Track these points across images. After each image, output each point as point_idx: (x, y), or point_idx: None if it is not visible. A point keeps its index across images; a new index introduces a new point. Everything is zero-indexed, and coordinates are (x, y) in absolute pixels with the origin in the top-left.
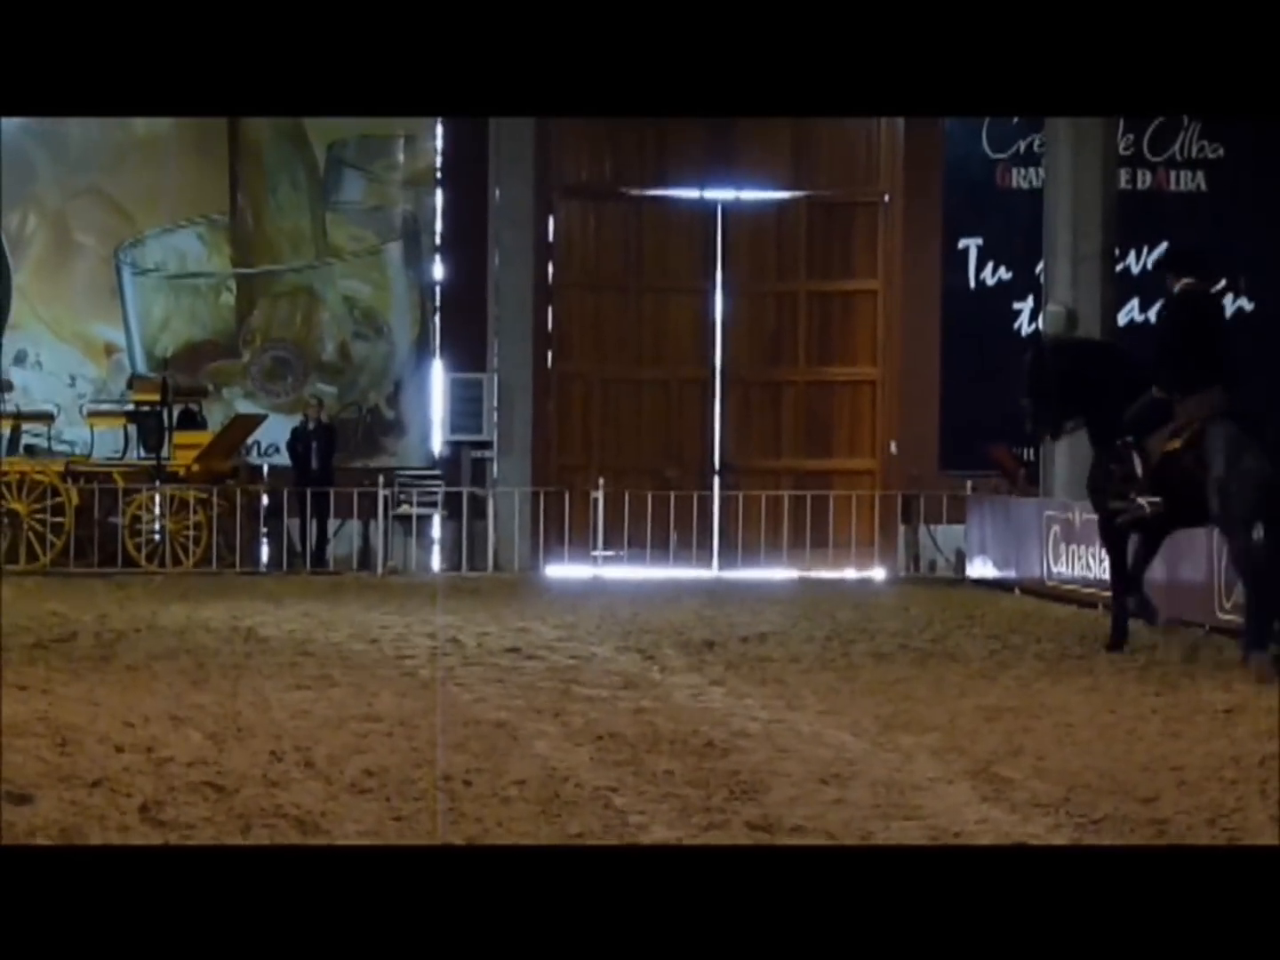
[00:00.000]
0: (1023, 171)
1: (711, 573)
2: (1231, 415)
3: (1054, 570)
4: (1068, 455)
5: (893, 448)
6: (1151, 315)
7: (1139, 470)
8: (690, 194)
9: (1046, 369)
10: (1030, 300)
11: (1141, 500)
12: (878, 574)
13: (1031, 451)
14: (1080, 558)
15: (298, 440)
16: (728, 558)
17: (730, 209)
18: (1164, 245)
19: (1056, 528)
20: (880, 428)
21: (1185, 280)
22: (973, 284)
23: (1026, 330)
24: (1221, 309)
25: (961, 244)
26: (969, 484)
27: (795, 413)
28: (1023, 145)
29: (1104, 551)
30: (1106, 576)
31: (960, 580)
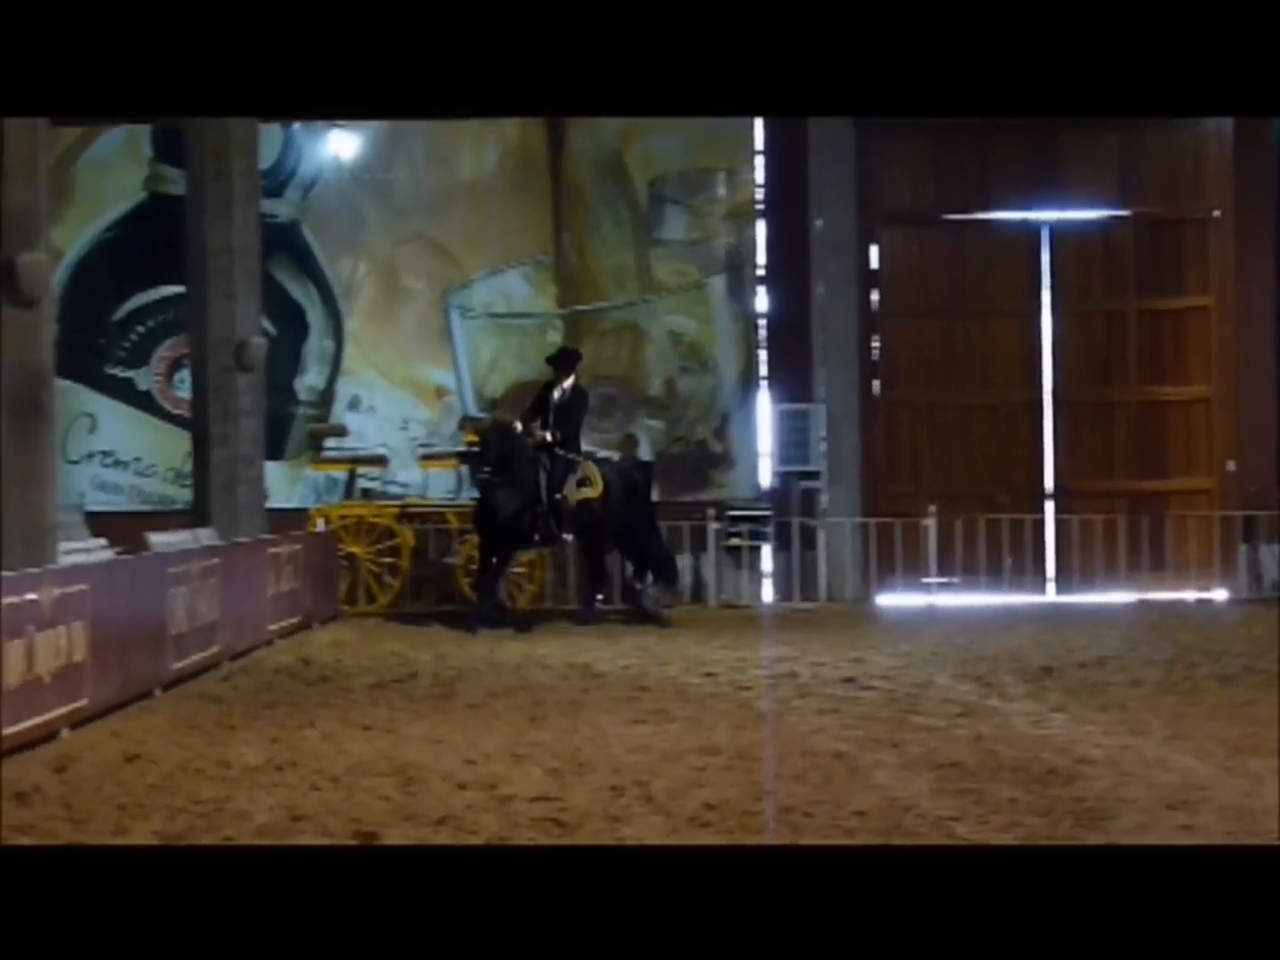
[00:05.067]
0: None
1: (1047, 598)
2: (620, 468)
3: None
4: None
5: (1230, 466)
6: None
7: (560, 516)
8: (1014, 216)
9: (479, 446)
10: None
11: (567, 537)
12: (1219, 595)
13: None
14: None
15: None
16: (1063, 582)
17: (1056, 229)
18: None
19: None
20: (1217, 446)
21: (573, 376)
22: None
23: None
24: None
25: None
26: None
27: (1128, 434)
28: None
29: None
30: None
31: None
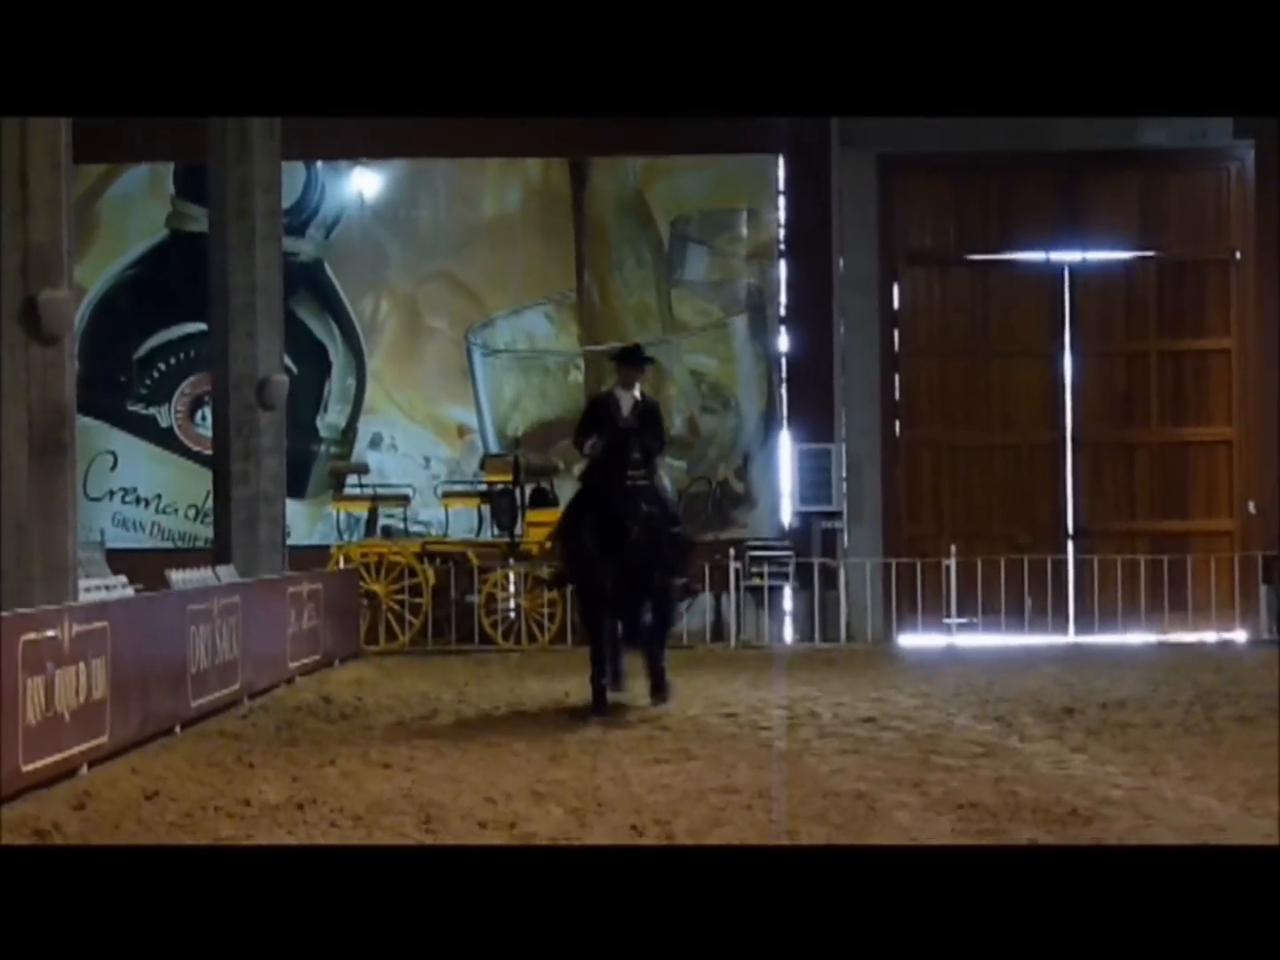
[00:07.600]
0: None
1: (1067, 638)
2: None
3: None
4: None
5: (1251, 508)
6: None
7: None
8: (1036, 257)
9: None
10: None
11: None
12: (1239, 636)
13: None
14: None
15: None
16: (1084, 622)
17: (1077, 270)
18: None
19: None
20: (1237, 487)
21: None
22: None
23: None
24: None
25: None
26: None
27: (1149, 474)
28: None
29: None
30: None
31: None
